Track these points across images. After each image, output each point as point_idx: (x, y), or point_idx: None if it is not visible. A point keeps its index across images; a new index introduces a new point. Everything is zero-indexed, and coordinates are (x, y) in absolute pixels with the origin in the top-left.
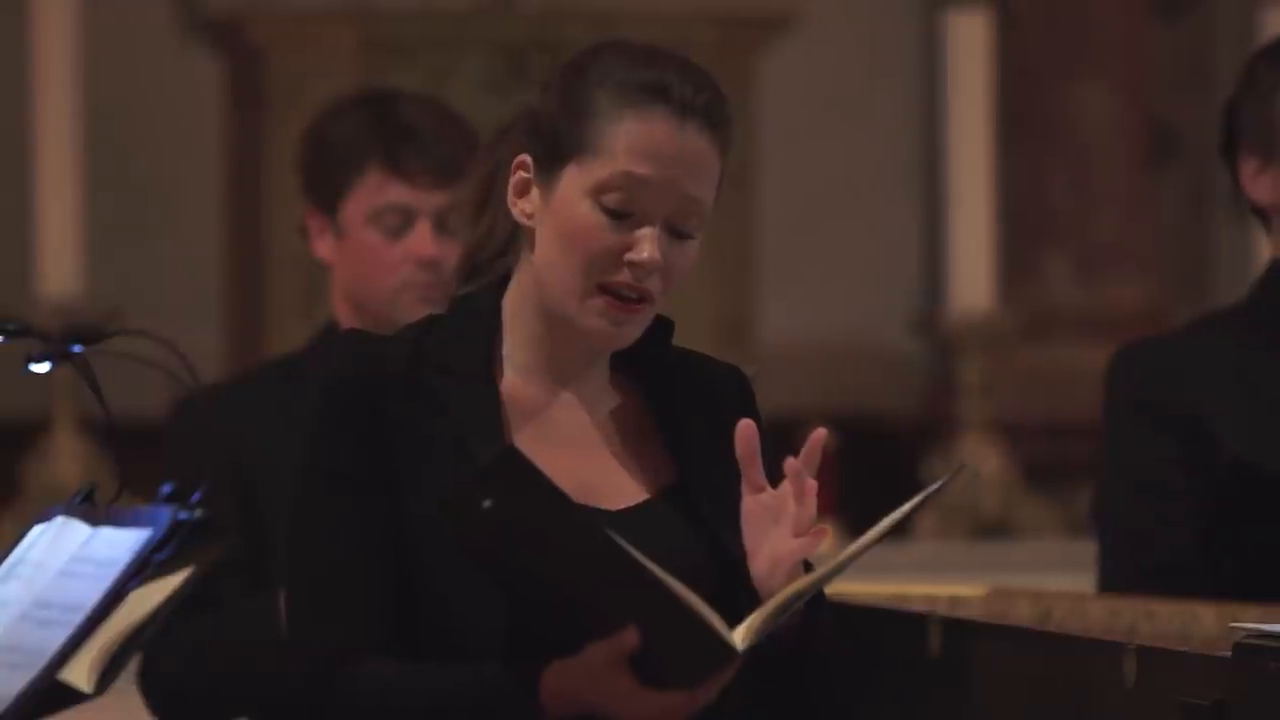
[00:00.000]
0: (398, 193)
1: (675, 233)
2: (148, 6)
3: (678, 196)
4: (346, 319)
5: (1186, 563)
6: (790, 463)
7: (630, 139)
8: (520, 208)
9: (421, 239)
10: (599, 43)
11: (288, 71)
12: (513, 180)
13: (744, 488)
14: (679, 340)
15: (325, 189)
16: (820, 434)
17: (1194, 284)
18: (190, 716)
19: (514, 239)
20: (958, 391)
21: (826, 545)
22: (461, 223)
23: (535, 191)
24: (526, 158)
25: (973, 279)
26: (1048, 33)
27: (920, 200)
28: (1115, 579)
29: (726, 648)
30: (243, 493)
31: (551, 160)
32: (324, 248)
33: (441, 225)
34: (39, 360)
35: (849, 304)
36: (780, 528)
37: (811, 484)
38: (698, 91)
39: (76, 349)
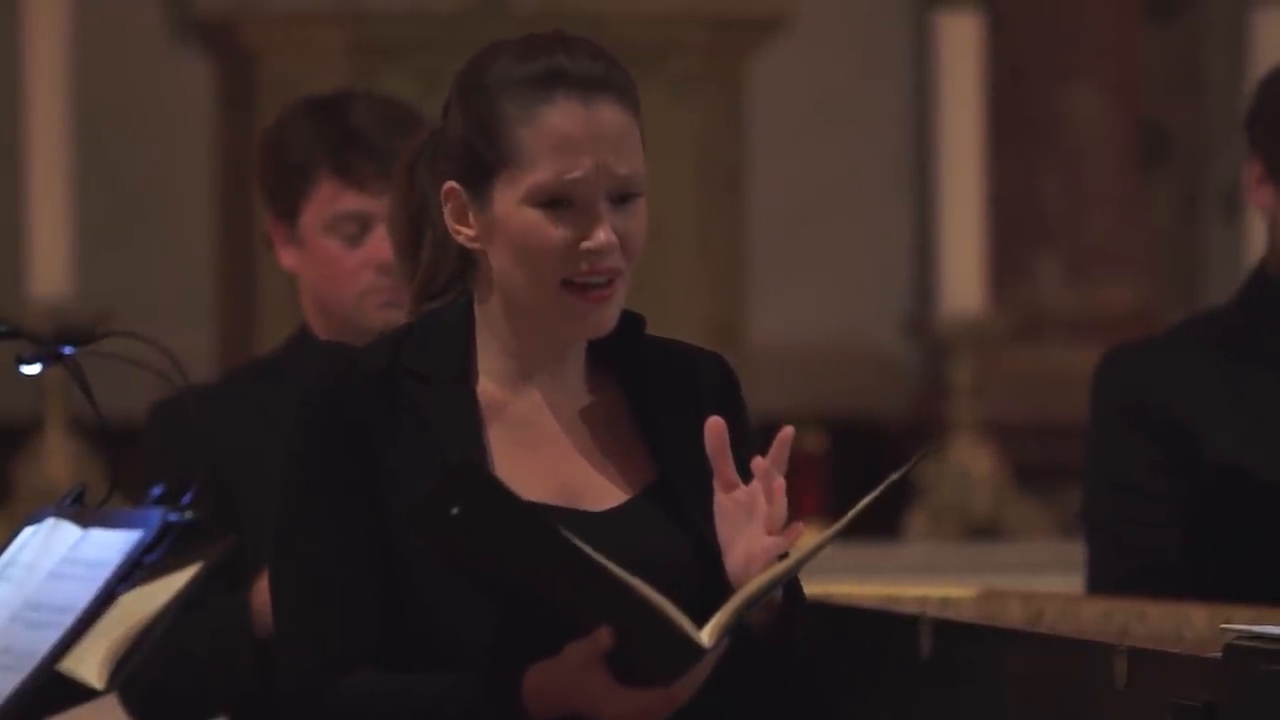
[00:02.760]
0: (351, 201)
1: (619, 202)
2: (138, 8)
3: (609, 179)
4: (317, 324)
5: (1171, 565)
6: (758, 462)
7: (545, 136)
8: (464, 235)
9: (379, 244)
10: (480, 53)
11: (278, 73)
12: (447, 209)
13: (715, 484)
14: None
15: (283, 199)
16: (788, 432)
17: (1185, 285)
18: (168, 716)
19: (466, 260)
20: (948, 393)
21: (806, 541)
22: (396, 254)
23: (472, 215)
24: (454, 185)
25: (963, 280)
26: (1039, 34)
27: (911, 202)
28: (1102, 582)
29: (693, 646)
30: (220, 494)
31: (478, 181)
32: (288, 257)
33: None
34: (30, 362)
35: (840, 305)
36: (753, 525)
37: (780, 483)
38: (593, 63)
39: (67, 350)
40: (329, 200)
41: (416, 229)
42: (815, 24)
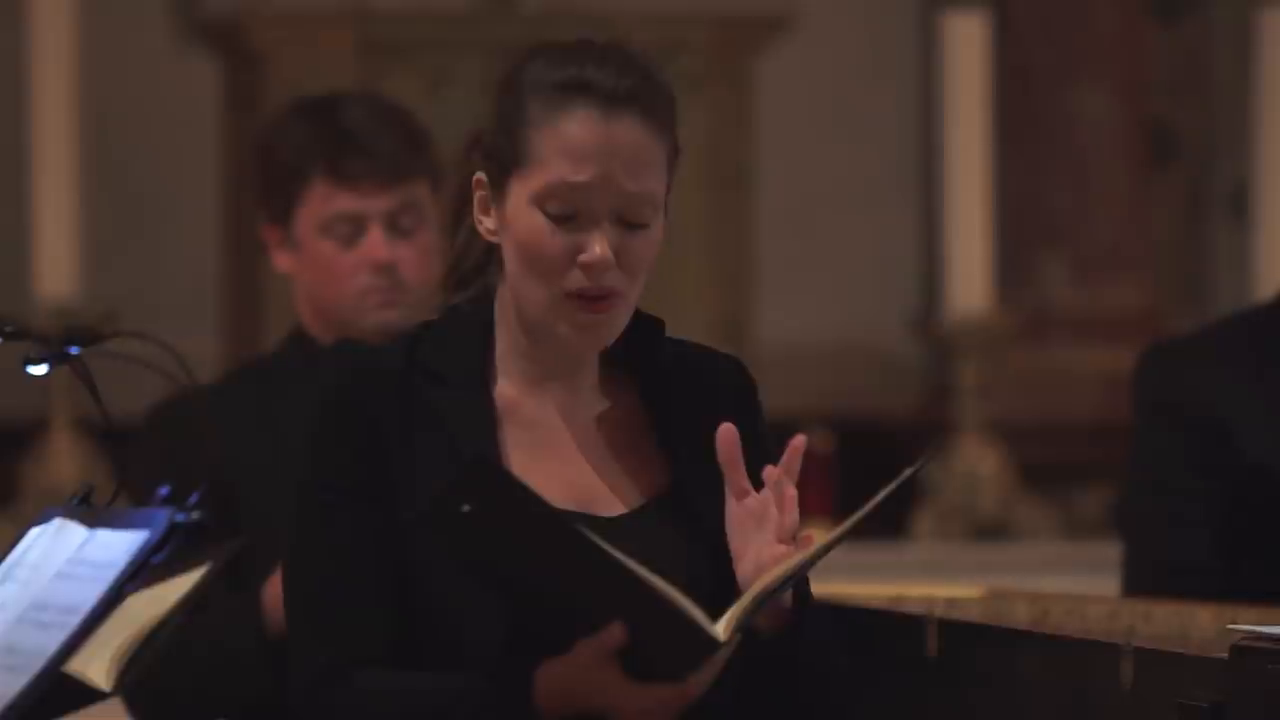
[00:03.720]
0: (344, 201)
1: (627, 225)
2: (145, 10)
3: (617, 193)
4: (314, 326)
5: (1206, 563)
6: (769, 471)
7: (559, 142)
8: (485, 225)
9: (374, 244)
10: (529, 48)
11: (285, 74)
12: (475, 198)
13: (727, 491)
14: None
15: (276, 202)
16: (800, 441)
17: (1191, 286)
18: (173, 717)
19: (491, 252)
20: (955, 393)
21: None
22: (443, 233)
23: (493, 208)
24: (482, 175)
25: (970, 280)
26: (1045, 34)
27: (918, 202)
28: (1138, 579)
29: (709, 639)
30: (220, 495)
31: (499, 175)
32: (283, 259)
33: (393, 227)
34: (37, 362)
35: (847, 305)
36: (764, 533)
37: (792, 492)
38: (620, 78)
39: (74, 351)
40: (322, 201)
41: (461, 211)
42: (822, 24)
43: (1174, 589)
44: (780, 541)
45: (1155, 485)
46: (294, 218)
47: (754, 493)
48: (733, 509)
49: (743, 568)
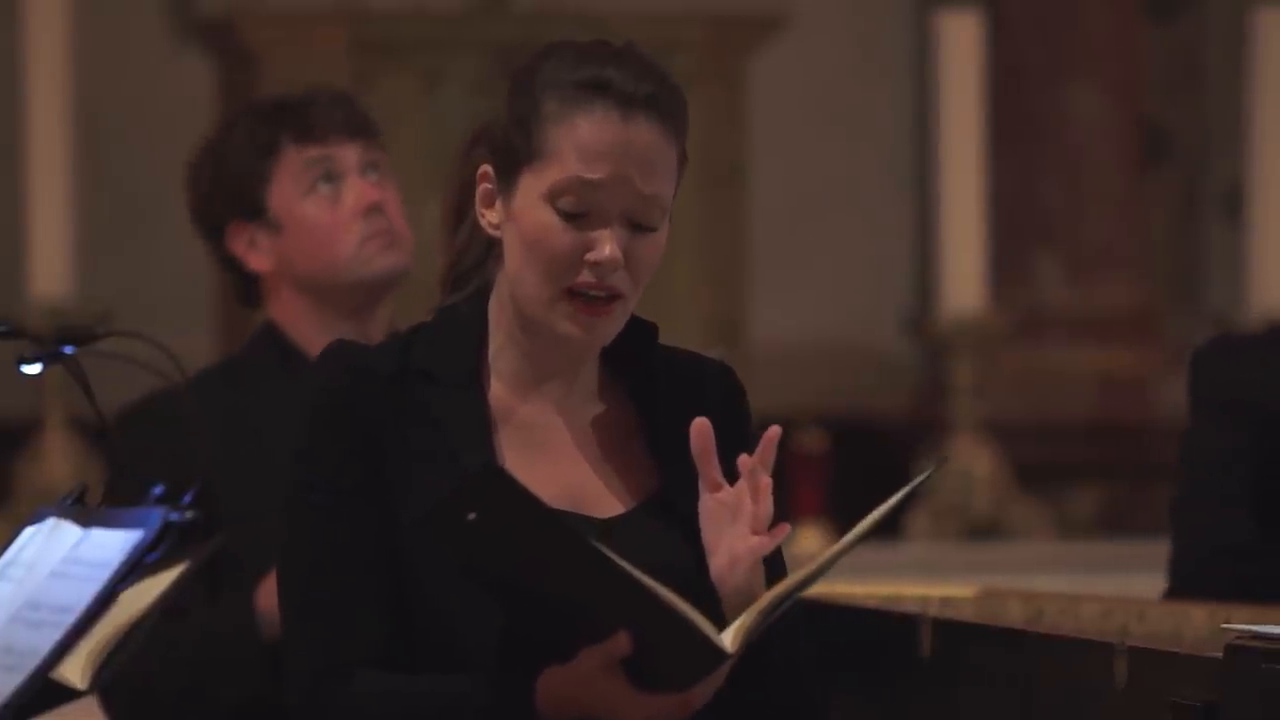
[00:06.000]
0: (315, 150)
1: (636, 227)
2: (139, 9)
3: (630, 193)
4: (298, 315)
5: (1254, 545)
6: (744, 459)
7: (576, 139)
8: (488, 219)
9: (357, 188)
10: (546, 46)
11: (279, 74)
12: (479, 191)
13: (701, 485)
14: (670, 339)
15: (243, 193)
16: (775, 431)
17: (1185, 285)
18: (156, 718)
19: (490, 249)
20: (949, 392)
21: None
22: (442, 228)
23: (498, 201)
24: (488, 168)
25: (964, 280)
26: (1039, 33)
27: (912, 201)
28: (1183, 561)
29: (717, 650)
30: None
31: (508, 168)
32: (259, 256)
33: (367, 173)
34: (30, 361)
35: (840, 304)
36: (738, 525)
37: (766, 481)
38: (640, 82)
39: (68, 350)
40: (295, 159)
41: (463, 207)
42: (815, 22)
43: (1221, 569)
44: (754, 532)
45: (1206, 471)
46: (268, 197)
47: (727, 486)
48: (706, 502)
49: (716, 561)
